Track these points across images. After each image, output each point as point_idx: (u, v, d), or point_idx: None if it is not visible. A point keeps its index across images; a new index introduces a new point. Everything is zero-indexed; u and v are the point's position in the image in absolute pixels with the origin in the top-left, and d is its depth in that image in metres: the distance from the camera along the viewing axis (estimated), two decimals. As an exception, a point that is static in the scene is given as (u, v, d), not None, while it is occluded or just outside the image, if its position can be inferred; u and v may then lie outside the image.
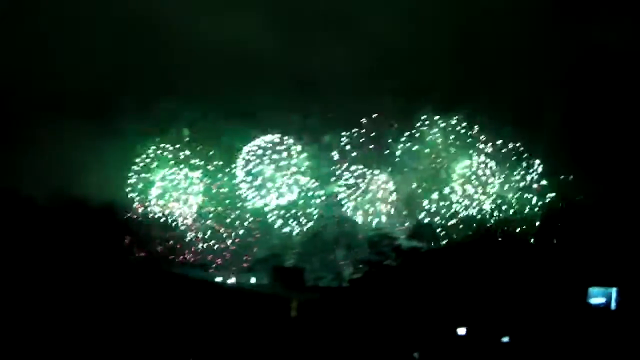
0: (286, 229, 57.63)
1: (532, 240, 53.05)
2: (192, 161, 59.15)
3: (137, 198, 57.96)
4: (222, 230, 58.37)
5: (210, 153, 59.76)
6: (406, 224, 56.87)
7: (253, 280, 49.07)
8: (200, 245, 57.50)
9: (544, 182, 57.88)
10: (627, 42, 57.30)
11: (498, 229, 51.82)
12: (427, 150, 59.05)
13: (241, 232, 57.98)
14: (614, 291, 43.79)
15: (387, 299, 42.66)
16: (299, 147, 59.37)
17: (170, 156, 58.99)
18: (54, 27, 56.84)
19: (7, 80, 53.41)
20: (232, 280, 49.30)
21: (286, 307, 42.42)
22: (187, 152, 59.20)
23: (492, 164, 58.35)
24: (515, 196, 57.44)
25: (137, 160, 58.57)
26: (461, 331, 39.35)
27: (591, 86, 57.28)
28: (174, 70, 59.03)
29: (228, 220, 58.39)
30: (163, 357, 35.68)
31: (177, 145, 59.25)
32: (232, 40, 58.36)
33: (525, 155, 58.52)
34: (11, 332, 33.95)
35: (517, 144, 58.57)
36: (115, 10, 58.01)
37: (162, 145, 59.00)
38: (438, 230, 53.19)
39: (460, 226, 54.71)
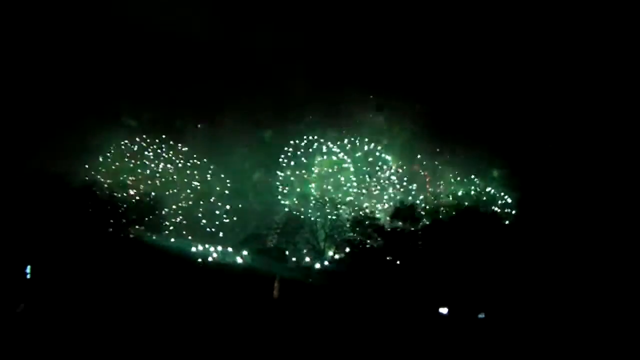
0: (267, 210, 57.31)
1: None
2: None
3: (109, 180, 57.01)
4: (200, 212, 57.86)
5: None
6: (386, 206, 56.89)
7: (237, 260, 48.93)
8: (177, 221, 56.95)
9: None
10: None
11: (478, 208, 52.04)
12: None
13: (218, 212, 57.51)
14: None
15: (370, 279, 42.91)
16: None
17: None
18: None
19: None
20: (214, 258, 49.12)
21: (269, 288, 42.36)
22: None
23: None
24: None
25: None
26: (443, 310, 39.80)
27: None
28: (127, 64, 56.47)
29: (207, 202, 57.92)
30: (141, 336, 35.30)
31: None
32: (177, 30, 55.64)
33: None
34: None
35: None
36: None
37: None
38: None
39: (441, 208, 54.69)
